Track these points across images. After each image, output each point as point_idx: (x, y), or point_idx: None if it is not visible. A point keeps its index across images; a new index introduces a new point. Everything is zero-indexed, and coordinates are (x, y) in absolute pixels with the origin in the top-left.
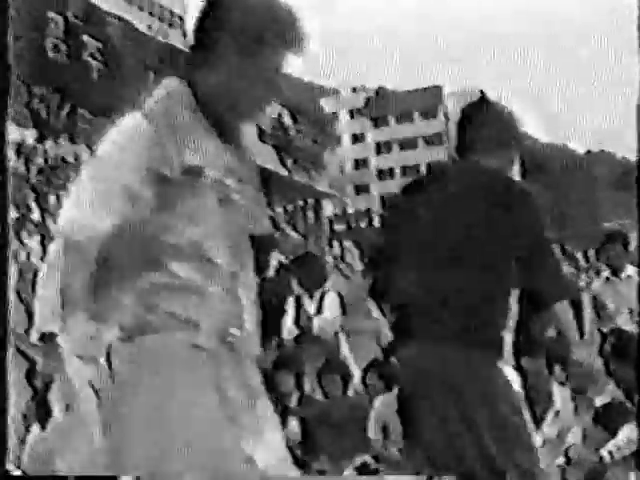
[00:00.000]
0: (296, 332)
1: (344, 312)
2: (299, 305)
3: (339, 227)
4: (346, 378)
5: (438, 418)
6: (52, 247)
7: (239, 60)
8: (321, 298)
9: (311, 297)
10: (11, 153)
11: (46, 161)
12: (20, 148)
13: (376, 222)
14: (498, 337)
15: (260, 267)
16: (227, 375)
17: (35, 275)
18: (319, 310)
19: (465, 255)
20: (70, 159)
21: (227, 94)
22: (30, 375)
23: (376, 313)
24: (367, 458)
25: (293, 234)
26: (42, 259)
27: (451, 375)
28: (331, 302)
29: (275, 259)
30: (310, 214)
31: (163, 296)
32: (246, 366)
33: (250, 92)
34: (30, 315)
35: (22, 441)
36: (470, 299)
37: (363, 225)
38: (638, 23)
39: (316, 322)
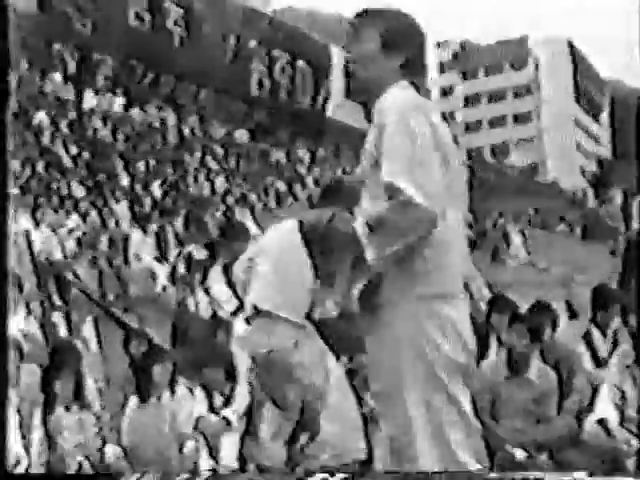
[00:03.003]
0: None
1: None
2: None
3: None
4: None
5: None
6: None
7: None
8: None
9: None
10: (98, 122)
11: (132, 128)
12: (107, 116)
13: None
14: None
15: None
16: None
17: (126, 240)
18: None
19: None
20: (156, 125)
21: None
22: (127, 343)
23: None
24: None
25: None
26: (131, 224)
27: None
28: None
29: None
30: None
31: None
32: None
33: None
34: (120, 279)
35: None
36: None
37: None
38: None
39: None
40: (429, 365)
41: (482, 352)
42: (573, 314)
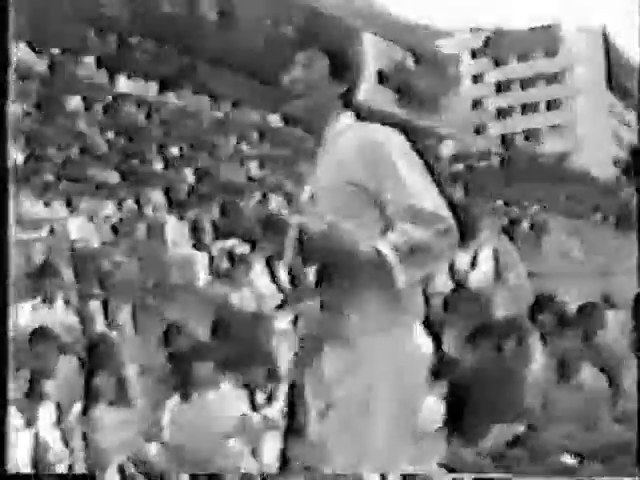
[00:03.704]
0: (451, 286)
1: (498, 268)
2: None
3: (459, 167)
4: (500, 340)
5: None
6: None
7: None
8: (475, 252)
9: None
10: (132, 106)
11: (166, 113)
12: (141, 101)
13: (495, 162)
14: None
15: None
16: None
17: (162, 227)
18: (473, 264)
19: None
20: (191, 109)
21: None
22: (166, 337)
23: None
24: (521, 428)
25: None
26: (167, 211)
27: None
28: (486, 257)
29: None
30: (434, 154)
31: None
32: None
33: None
34: (158, 268)
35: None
36: None
37: (484, 164)
38: None
39: (472, 277)
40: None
41: None
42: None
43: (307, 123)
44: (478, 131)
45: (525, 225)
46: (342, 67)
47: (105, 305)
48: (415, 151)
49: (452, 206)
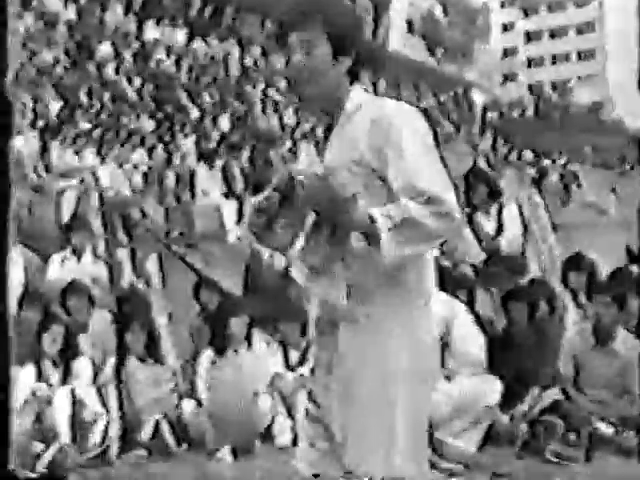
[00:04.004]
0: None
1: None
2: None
3: (491, 116)
4: (533, 304)
5: None
6: None
7: None
8: (499, 214)
9: (487, 214)
10: (161, 54)
11: (195, 60)
12: (170, 49)
13: (529, 111)
14: None
15: None
16: None
17: (192, 176)
18: (500, 229)
19: None
20: (219, 57)
21: None
22: (198, 289)
23: None
24: (555, 392)
25: (446, 124)
26: (198, 160)
27: None
28: (511, 217)
29: None
30: (464, 104)
31: None
32: None
33: None
34: (185, 216)
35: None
36: None
37: (515, 114)
38: None
39: (501, 241)
40: None
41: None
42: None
43: (320, 105)
44: (507, 80)
45: (554, 177)
46: (344, 44)
47: (133, 255)
48: (432, 132)
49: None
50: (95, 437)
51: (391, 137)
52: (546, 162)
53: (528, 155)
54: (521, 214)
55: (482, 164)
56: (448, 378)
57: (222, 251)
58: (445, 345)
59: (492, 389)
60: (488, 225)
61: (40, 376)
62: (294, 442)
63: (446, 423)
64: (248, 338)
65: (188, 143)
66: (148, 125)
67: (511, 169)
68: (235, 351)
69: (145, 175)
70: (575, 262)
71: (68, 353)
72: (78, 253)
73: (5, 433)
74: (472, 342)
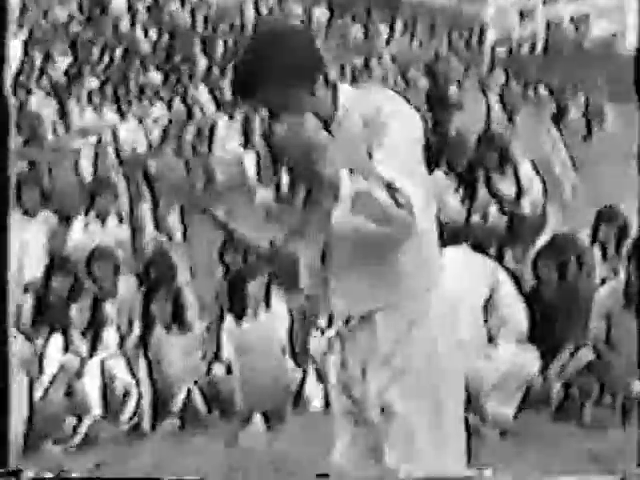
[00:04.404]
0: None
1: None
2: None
3: (500, 52)
4: (563, 263)
5: None
6: None
7: None
8: (516, 175)
9: (503, 174)
10: (176, 4)
11: (210, 10)
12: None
13: (539, 48)
14: None
15: None
16: None
17: (212, 129)
18: (519, 193)
19: None
20: (233, 9)
21: None
22: (223, 248)
23: None
24: (587, 352)
25: (454, 60)
26: (217, 111)
27: None
28: (528, 178)
29: None
30: (473, 41)
31: None
32: None
33: None
34: (206, 171)
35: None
36: None
37: (525, 51)
38: None
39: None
40: None
41: None
42: None
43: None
44: (523, 16)
45: (574, 113)
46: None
47: (155, 210)
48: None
49: None
50: (128, 409)
51: (376, 128)
52: (565, 96)
53: (542, 92)
54: (536, 171)
55: (495, 106)
56: (491, 340)
57: (246, 203)
58: (489, 309)
59: (533, 358)
60: (506, 188)
61: (67, 348)
62: (326, 405)
63: (492, 390)
64: (267, 300)
65: (203, 94)
66: (155, 77)
67: (527, 106)
68: (254, 313)
69: (164, 129)
70: (607, 215)
71: (95, 322)
72: (102, 217)
73: (5, 433)
74: (517, 310)
